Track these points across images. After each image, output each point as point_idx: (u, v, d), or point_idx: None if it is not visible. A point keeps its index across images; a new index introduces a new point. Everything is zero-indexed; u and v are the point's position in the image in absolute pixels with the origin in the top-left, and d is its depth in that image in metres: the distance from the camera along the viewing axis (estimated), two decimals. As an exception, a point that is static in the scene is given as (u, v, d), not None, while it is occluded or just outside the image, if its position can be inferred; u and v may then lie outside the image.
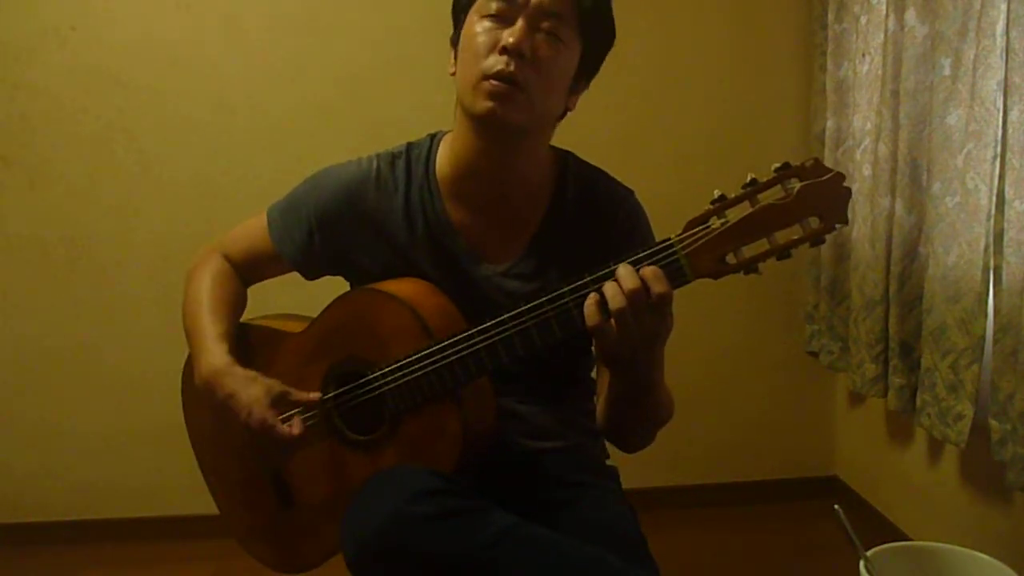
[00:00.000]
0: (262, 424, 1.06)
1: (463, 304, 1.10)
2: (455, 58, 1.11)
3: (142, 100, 2.18)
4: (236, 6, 2.18)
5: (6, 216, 2.21)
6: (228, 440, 1.23)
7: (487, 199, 1.15)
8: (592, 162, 1.23)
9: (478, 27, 1.06)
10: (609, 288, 0.92)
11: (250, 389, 1.08)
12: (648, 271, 0.91)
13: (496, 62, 1.03)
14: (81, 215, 2.22)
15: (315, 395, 1.11)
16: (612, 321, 0.91)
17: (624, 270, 0.91)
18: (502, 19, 1.05)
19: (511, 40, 1.03)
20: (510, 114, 1.05)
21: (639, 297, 0.90)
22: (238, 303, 1.25)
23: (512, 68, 1.03)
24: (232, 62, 2.20)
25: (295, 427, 1.07)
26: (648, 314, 0.91)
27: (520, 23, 1.04)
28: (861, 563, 1.34)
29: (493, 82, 1.03)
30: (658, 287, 0.90)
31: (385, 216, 1.16)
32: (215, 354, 1.12)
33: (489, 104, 1.04)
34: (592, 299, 0.92)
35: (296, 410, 1.10)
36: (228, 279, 1.25)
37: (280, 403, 1.08)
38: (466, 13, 1.09)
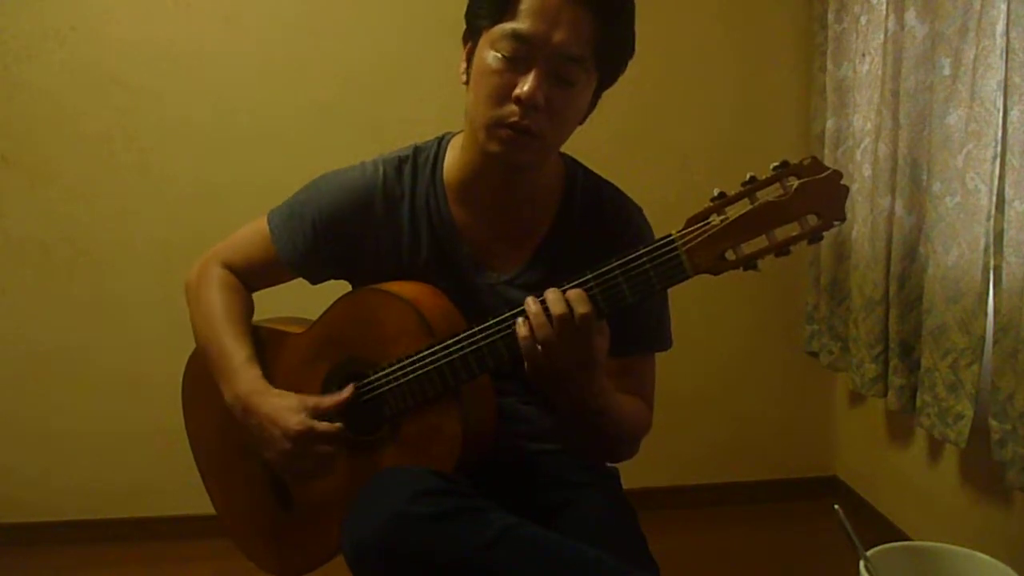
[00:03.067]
0: (302, 428, 1.05)
1: (465, 311, 1.09)
2: (467, 65, 1.08)
3: (142, 100, 2.18)
4: (236, 6, 2.18)
5: (6, 216, 2.20)
6: (228, 443, 1.23)
7: (494, 206, 1.15)
8: (591, 163, 1.22)
9: (492, 61, 1.01)
10: (532, 307, 0.94)
11: (284, 402, 1.08)
12: (572, 294, 0.93)
13: (510, 113, 1.01)
14: (81, 215, 2.21)
15: (346, 392, 1.09)
16: (539, 345, 0.93)
17: (552, 294, 0.94)
18: (516, 61, 1.00)
19: (525, 92, 0.99)
20: (521, 157, 1.05)
21: (565, 319, 0.92)
22: (250, 314, 1.25)
23: (526, 121, 1.01)
24: (232, 62, 2.19)
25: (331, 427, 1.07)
26: (574, 337, 0.93)
27: (535, 72, 1.00)
28: (861, 563, 1.34)
29: (506, 131, 1.02)
30: (581, 308, 0.92)
31: (391, 223, 1.15)
32: (249, 378, 1.12)
33: (500, 149, 1.03)
34: (522, 319, 0.95)
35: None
36: (237, 290, 1.23)
37: (314, 411, 1.08)
38: (479, 33, 1.04)
